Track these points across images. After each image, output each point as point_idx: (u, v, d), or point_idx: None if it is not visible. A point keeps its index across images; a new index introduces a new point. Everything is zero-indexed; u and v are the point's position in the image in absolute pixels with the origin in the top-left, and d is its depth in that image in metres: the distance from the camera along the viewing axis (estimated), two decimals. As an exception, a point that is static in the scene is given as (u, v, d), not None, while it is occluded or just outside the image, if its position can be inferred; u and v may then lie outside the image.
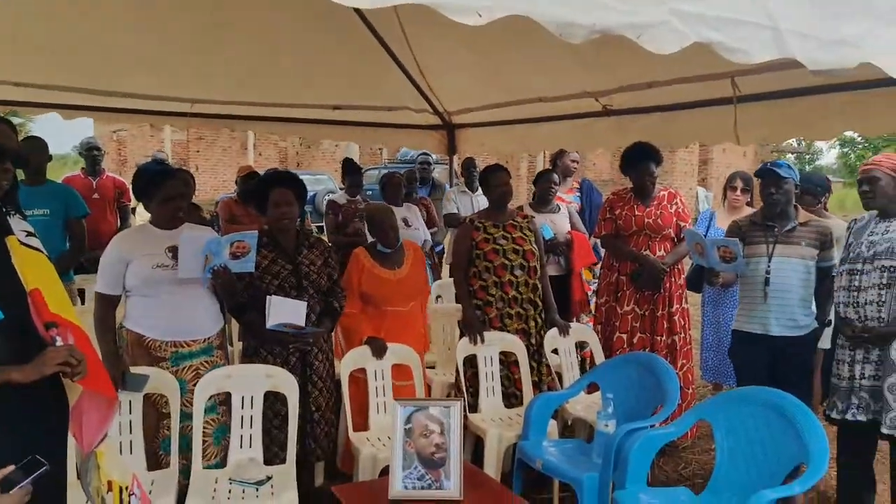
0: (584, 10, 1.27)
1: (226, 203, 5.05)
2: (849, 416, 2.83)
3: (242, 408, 2.78)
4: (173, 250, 2.69)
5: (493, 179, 3.67)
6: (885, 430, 2.71)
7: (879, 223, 2.85)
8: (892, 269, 2.72)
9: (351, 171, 5.41)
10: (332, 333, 3.26)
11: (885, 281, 2.72)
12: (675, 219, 3.79)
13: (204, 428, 2.70)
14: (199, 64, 4.07)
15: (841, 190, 23.87)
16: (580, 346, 3.94)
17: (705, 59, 1.40)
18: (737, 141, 3.37)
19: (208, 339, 2.82)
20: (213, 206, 7.03)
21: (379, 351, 3.22)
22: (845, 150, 23.79)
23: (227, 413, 2.80)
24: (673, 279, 3.78)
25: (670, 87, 3.37)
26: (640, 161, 3.78)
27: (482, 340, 3.45)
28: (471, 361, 3.48)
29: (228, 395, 2.79)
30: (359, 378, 3.20)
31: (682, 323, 3.81)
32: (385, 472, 2.62)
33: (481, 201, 5.58)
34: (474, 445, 3.36)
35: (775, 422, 2.51)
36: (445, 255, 5.73)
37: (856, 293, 2.80)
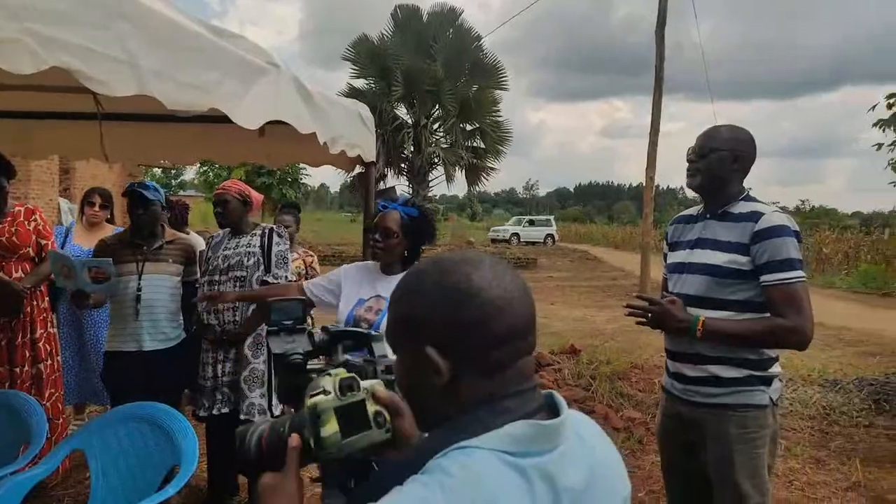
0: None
1: None
2: (215, 411, 3.21)
3: None
4: None
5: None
6: (242, 416, 3.18)
7: (232, 239, 3.33)
8: (242, 279, 3.23)
9: None
10: None
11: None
12: (34, 236, 3.45)
13: None
14: None
15: (203, 204, 26.12)
16: None
17: (65, 72, 1.35)
18: (105, 159, 3.33)
19: None
20: None
21: None
22: (205, 167, 26.07)
23: None
24: (35, 302, 3.45)
25: (25, 92, 3.05)
26: None
27: None
28: None
29: None
30: None
31: (49, 349, 3.50)
32: None
33: None
34: None
35: (149, 433, 2.62)
36: None
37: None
